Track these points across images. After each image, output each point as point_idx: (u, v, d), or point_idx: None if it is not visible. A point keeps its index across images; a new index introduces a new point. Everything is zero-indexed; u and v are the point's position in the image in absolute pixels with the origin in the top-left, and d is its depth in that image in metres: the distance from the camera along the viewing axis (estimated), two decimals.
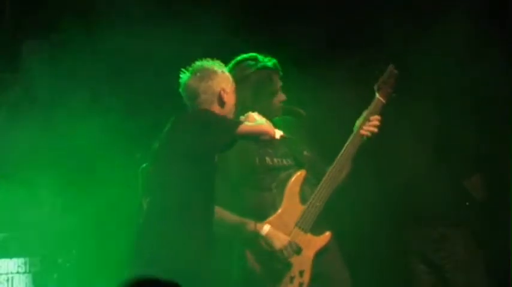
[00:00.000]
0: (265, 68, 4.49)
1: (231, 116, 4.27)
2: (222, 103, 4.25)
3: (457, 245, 5.14)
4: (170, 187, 4.16)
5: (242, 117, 4.23)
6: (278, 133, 4.24)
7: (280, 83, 4.52)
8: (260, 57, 4.53)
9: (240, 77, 4.41)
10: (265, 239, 4.30)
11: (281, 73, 4.53)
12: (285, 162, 4.48)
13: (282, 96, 4.51)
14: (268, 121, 4.19)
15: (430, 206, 5.18)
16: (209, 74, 4.28)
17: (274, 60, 4.53)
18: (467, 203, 5.24)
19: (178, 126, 4.22)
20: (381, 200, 5.30)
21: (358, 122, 4.52)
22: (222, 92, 4.24)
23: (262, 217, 4.37)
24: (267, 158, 4.45)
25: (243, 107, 4.36)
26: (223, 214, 4.33)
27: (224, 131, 4.12)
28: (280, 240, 4.30)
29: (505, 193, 5.40)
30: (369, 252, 5.33)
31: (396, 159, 5.08)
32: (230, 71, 4.41)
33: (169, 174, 4.17)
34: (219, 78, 4.27)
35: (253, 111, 4.29)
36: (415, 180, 5.20)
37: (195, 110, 4.24)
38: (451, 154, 5.23)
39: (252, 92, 4.41)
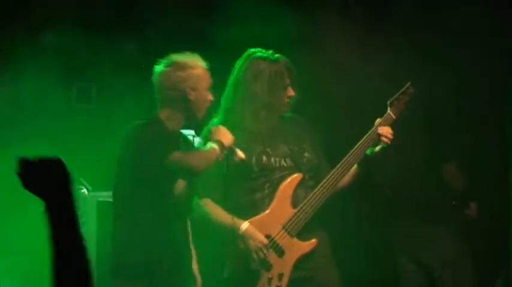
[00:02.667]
0: (278, 62, 4.43)
1: (201, 113, 4.25)
2: (186, 101, 4.24)
3: (445, 244, 5.10)
4: (120, 207, 4.28)
5: (213, 128, 4.22)
6: (240, 154, 4.20)
7: (289, 79, 4.45)
8: (271, 51, 4.48)
9: (254, 71, 4.38)
10: (242, 237, 4.24)
11: (293, 69, 4.47)
12: (283, 163, 4.39)
13: (291, 92, 4.44)
14: (223, 142, 4.16)
15: (418, 205, 5.14)
16: (180, 68, 4.26)
17: (283, 56, 4.48)
18: (453, 203, 5.20)
19: (124, 140, 4.24)
20: (370, 199, 5.26)
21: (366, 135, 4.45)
22: (188, 89, 4.23)
23: (251, 216, 4.31)
24: (264, 158, 4.37)
25: (256, 101, 4.34)
26: (211, 208, 4.33)
27: (153, 158, 4.10)
28: (256, 240, 4.23)
29: (505, 192, 5.37)
30: (357, 251, 5.29)
31: (387, 157, 5.00)
32: (242, 64, 4.41)
33: (120, 191, 4.27)
34: (189, 73, 4.25)
35: (266, 106, 4.32)
36: (405, 179, 5.16)
37: (135, 127, 4.22)
38: (442, 152, 5.19)
39: (266, 85, 4.35)
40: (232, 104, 4.41)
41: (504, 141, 5.39)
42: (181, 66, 4.27)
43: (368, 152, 4.41)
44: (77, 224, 2.34)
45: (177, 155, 4.11)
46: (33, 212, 5.09)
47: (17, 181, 4.78)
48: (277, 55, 4.45)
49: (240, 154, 4.22)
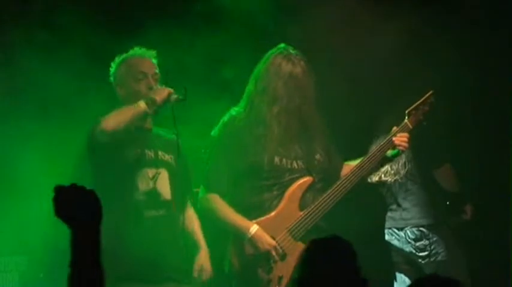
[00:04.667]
0: (300, 65, 4.38)
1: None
2: (123, 99, 4.34)
3: (438, 245, 5.07)
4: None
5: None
6: (173, 97, 4.17)
7: (307, 82, 4.40)
8: (296, 51, 4.43)
9: (276, 73, 4.35)
10: (251, 240, 4.21)
11: (312, 72, 4.43)
12: (295, 164, 4.35)
13: (306, 94, 4.40)
14: (155, 98, 4.17)
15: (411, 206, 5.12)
16: (115, 67, 4.41)
17: (304, 58, 4.43)
18: (447, 203, 5.18)
19: None
20: (364, 201, 5.23)
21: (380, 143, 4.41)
22: (118, 88, 4.37)
23: (257, 216, 4.28)
24: (276, 159, 4.33)
25: (274, 103, 4.30)
26: (219, 205, 4.32)
27: (89, 140, 4.22)
28: (264, 244, 4.21)
29: (505, 193, 5.35)
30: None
31: None
32: (266, 62, 4.37)
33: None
34: (117, 72, 4.39)
35: (283, 109, 4.28)
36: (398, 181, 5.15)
37: None
38: (438, 154, 5.16)
39: (285, 90, 4.32)
40: (252, 99, 4.37)
41: (505, 142, 5.38)
42: (116, 65, 4.40)
43: (388, 154, 4.37)
44: (98, 254, 2.40)
45: (105, 119, 4.17)
46: (32, 212, 5.11)
47: (15, 182, 4.75)
48: (300, 57, 4.38)
49: (174, 96, 4.21)
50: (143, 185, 4.25)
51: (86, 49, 5.06)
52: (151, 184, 4.27)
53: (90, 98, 4.89)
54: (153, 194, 4.28)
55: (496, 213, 5.44)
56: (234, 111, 4.40)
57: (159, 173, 4.31)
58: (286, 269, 4.22)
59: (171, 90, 4.21)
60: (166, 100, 4.19)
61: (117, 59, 4.43)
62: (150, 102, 4.16)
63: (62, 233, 5.00)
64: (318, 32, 5.12)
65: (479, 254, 5.37)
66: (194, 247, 4.39)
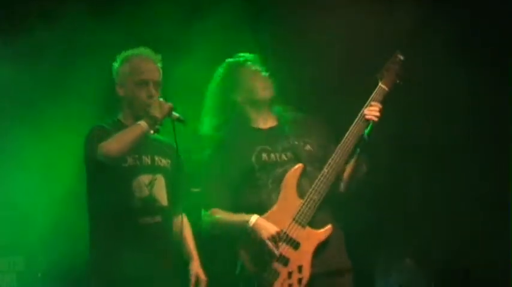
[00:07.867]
0: (252, 64, 4.43)
1: (136, 111, 4.22)
2: (122, 99, 4.28)
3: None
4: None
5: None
6: (175, 115, 4.13)
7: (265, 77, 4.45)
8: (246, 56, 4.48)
9: (248, 76, 4.40)
10: (253, 230, 4.17)
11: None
12: (284, 157, 4.33)
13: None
14: (156, 115, 4.10)
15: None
16: (118, 64, 4.31)
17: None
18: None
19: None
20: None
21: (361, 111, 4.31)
22: (118, 87, 4.28)
23: (261, 214, 4.23)
24: (264, 155, 4.32)
25: (252, 103, 4.37)
26: (220, 214, 4.28)
27: (87, 155, 4.14)
28: (267, 229, 4.14)
29: (505, 192, 5.35)
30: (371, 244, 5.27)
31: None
32: (223, 71, 4.40)
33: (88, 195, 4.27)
34: (118, 70, 4.30)
35: (254, 103, 4.33)
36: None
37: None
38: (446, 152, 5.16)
39: (251, 85, 4.37)
40: (225, 110, 4.40)
41: (505, 142, 5.38)
42: (120, 62, 4.31)
43: (365, 134, 4.28)
44: None
45: (100, 145, 4.06)
46: (29, 212, 5.10)
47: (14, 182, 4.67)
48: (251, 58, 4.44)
49: (175, 115, 4.16)
50: (139, 192, 4.19)
51: None
52: (147, 191, 4.21)
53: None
54: (149, 200, 4.21)
55: (496, 213, 5.43)
56: (207, 131, 4.42)
57: (156, 179, 4.25)
58: (303, 257, 4.16)
59: (171, 105, 4.15)
60: (167, 116, 4.13)
61: (122, 55, 4.32)
62: (151, 121, 4.09)
63: (60, 232, 5.08)
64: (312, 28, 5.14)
65: (479, 252, 5.37)
66: (186, 255, 4.36)
